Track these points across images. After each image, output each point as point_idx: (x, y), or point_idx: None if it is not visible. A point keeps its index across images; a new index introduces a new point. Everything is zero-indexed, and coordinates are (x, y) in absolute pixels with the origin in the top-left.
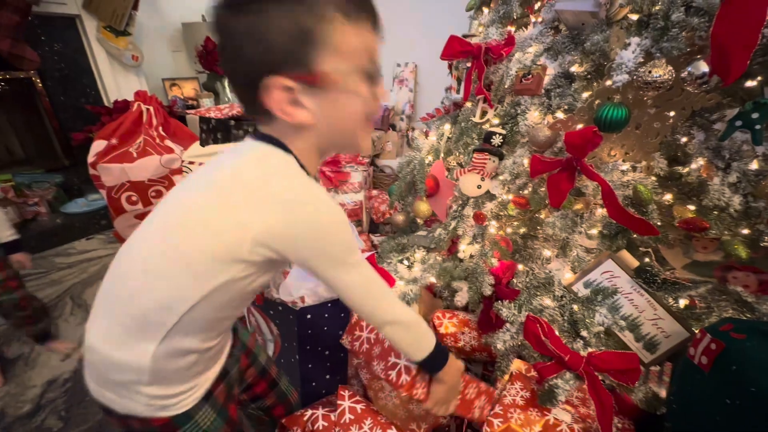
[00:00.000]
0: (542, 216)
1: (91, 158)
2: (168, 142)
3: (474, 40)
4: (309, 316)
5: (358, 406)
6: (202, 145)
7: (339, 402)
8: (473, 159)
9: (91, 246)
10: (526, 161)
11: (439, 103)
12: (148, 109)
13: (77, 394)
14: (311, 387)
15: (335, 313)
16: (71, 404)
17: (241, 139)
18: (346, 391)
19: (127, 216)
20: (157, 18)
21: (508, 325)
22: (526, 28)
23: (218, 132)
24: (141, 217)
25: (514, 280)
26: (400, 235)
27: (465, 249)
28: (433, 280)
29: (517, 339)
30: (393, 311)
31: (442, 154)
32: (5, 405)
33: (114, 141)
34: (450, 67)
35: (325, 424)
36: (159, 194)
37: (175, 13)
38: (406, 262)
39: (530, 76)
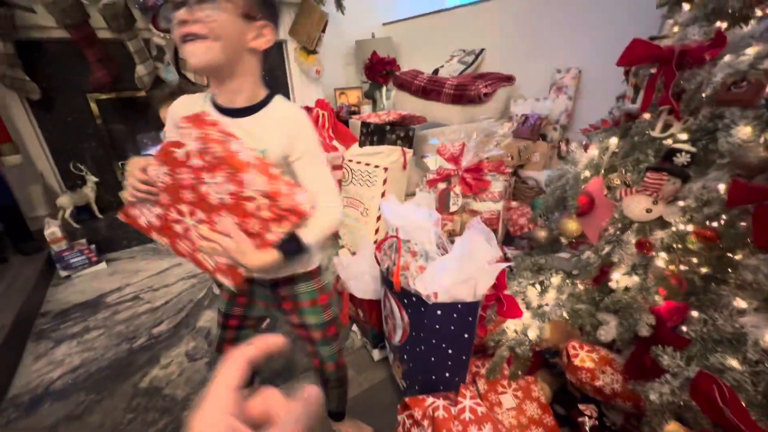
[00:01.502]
0: (738, 257)
1: None
2: (334, 142)
3: (664, 42)
4: (439, 312)
5: (479, 409)
6: (361, 145)
7: (460, 399)
8: (646, 178)
9: None
10: (722, 186)
11: (606, 114)
12: (323, 114)
13: None
14: (431, 379)
15: (464, 314)
16: None
17: (394, 143)
18: (468, 391)
19: None
20: (336, 38)
21: (668, 376)
22: (745, 24)
23: (375, 135)
24: None
25: (684, 327)
26: (539, 253)
27: (619, 279)
28: (566, 316)
29: (680, 396)
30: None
31: (603, 170)
32: None
33: None
34: (626, 73)
35: (445, 414)
36: None
37: (350, 32)
38: (539, 287)
39: (744, 83)
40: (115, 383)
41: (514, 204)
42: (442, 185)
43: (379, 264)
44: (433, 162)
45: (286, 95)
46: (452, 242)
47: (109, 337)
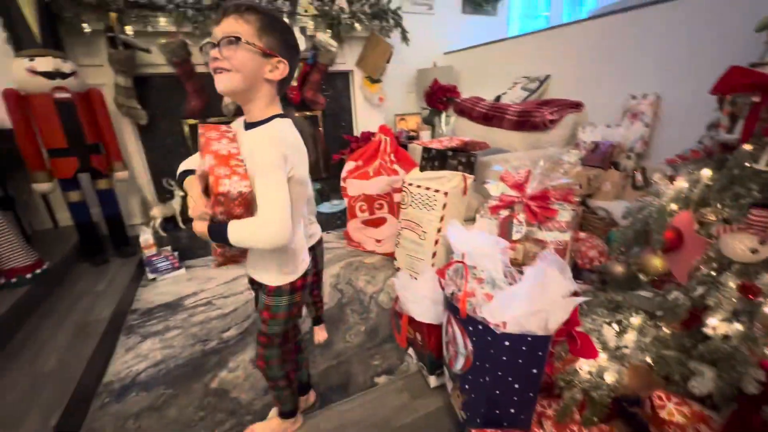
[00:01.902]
0: None
1: (343, 174)
2: (395, 166)
3: None
4: (507, 343)
5: None
6: (421, 170)
7: None
8: (751, 216)
9: (328, 238)
10: None
11: (694, 143)
12: (385, 140)
13: None
14: (495, 414)
15: (534, 348)
16: None
17: (455, 168)
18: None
19: (357, 220)
20: (399, 67)
21: None
22: None
23: (436, 160)
24: (367, 222)
25: None
26: (615, 289)
27: (717, 326)
28: (648, 360)
29: None
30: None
31: (693, 204)
32: None
33: (360, 162)
34: (720, 101)
35: None
36: (381, 207)
37: (413, 61)
38: (616, 327)
39: None
40: (190, 381)
41: (582, 235)
42: (504, 212)
43: (442, 289)
44: (495, 188)
45: (350, 120)
46: (520, 271)
47: (185, 337)
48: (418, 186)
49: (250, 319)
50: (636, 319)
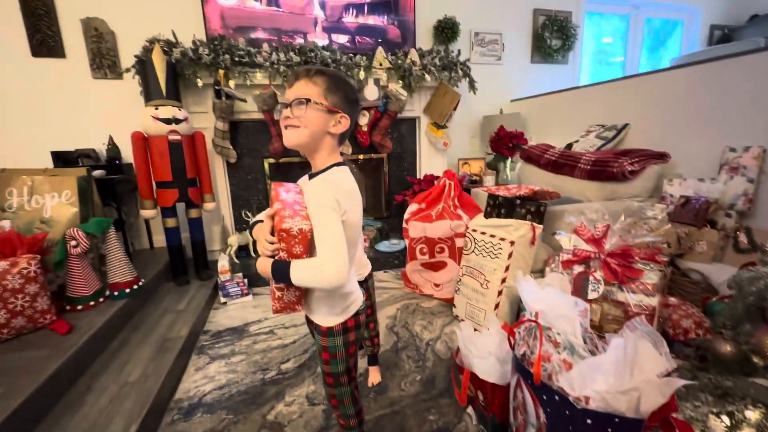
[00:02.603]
0: None
1: (406, 215)
2: (459, 211)
3: None
4: (589, 422)
5: None
6: (486, 216)
7: None
8: None
9: (384, 277)
10: None
11: None
12: (450, 184)
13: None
14: None
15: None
16: None
17: (523, 217)
18: None
19: (416, 263)
20: (465, 113)
21: None
22: None
23: (503, 208)
24: (426, 265)
25: None
26: (721, 371)
27: None
28: None
29: None
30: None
31: None
32: None
33: (423, 205)
34: None
35: None
36: (442, 250)
37: (479, 108)
38: (725, 419)
39: None
40: (249, 409)
41: (673, 300)
42: (578, 268)
43: (511, 347)
44: (567, 241)
45: (413, 163)
46: (600, 336)
47: (248, 364)
48: (483, 233)
49: (308, 354)
50: (753, 413)
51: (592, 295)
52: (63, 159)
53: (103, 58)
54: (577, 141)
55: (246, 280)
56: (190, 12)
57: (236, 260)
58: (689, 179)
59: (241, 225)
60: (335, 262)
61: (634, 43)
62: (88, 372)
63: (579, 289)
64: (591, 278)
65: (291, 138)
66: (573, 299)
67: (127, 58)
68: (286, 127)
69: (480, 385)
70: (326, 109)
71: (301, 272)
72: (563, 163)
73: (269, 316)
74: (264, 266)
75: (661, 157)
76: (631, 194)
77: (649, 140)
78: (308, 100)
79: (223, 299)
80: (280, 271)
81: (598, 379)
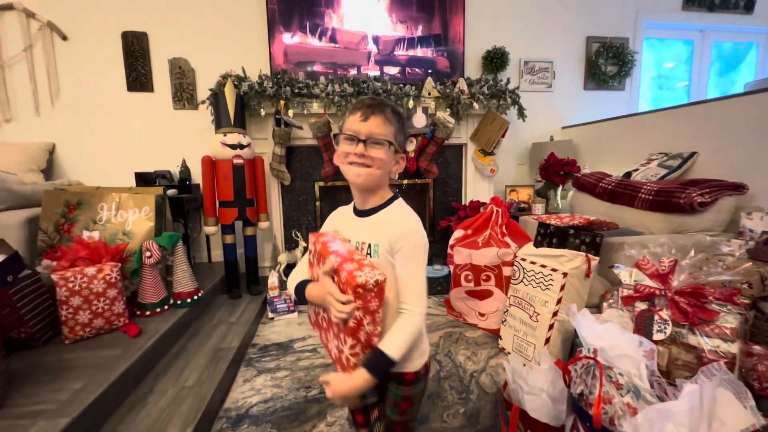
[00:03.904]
0: None
1: (452, 241)
2: (507, 239)
3: None
4: None
5: None
6: (536, 245)
7: None
8: None
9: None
10: None
11: None
12: (497, 211)
13: None
14: None
15: None
16: None
17: (577, 247)
18: None
19: (460, 290)
20: (514, 140)
21: None
22: None
23: (554, 237)
24: (470, 293)
25: None
26: None
27: None
28: None
29: None
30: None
31: None
32: None
33: (469, 231)
34: None
35: None
36: (488, 278)
37: (528, 135)
38: None
39: None
40: (292, 425)
41: (758, 349)
42: (641, 305)
43: (567, 385)
44: (627, 275)
45: (459, 190)
46: (671, 383)
47: (292, 380)
48: (533, 262)
49: None
50: None
51: (657, 336)
52: (144, 179)
53: (184, 91)
54: (636, 170)
55: (293, 297)
56: (258, 50)
57: (284, 278)
58: None
59: (291, 244)
60: (424, 307)
61: (700, 68)
62: (151, 374)
63: (642, 328)
64: (656, 317)
65: (364, 177)
66: (637, 338)
67: (202, 91)
68: (352, 163)
69: (530, 423)
70: (394, 150)
71: (402, 345)
72: (621, 192)
73: (313, 335)
74: (359, 379)
75: (737, 188)
76: (701, 228)
77: (721, 170)
78: (390, 143)
79: (270, 314)
80: (381, 368)
81: (668, 429)
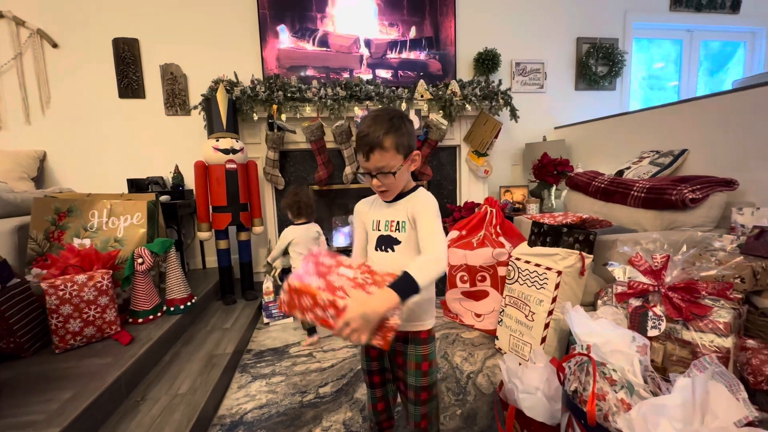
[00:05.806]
0: None
1: (446, 242)
2: (501, 239)
3: None
4: None
5: None
6: (530, 245)
7: None
8: None
9: None
10: None
11: None
12: (492, 211)
13: None
14: None
15: None
16: None
17: (571, 246)
18: None
19: (456, 291)
20: (507, 141)
21: None
22: None
23: (548, 236)
24: (467, 294)
25: None
26: None
27: None
28: None
29: None
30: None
31: None
32: None
33: (463, 232)
34: None
35: None
36: (484, 279)
37: (521, 136)
38: None
39: None
40: (287, 431)
41: (752, 343)
42: (635, 302)
43: (561, 383)
44: (621, 272)
45: (453, 191)
46: (664, 378)
47: (287, 385)
48: (527, 261)
49: (345, 379)
50: None
51: (652, 332)
52: (136, 185)
53: (176, 97)
54: (628, 168)
55: None
56: (250, 55)
57: (279, 282)
58: (763, 208)
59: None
60: (445, 249)
61: (690, 67)
62: (143, 382)
63: (637, 324)
64: (650, 313)
65: (385, 195)
66: (630, 333)
67: (194, 96)
68: (377, 187)
69: (526, 423)
70: (405, 158)
71: (426, 276)
72: (614, 190)
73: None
74: (387, 297)
75: (727, 184)
76: (693, 224)
77: (711, 167)
78: (393, 174)
79: (266, 319)
80: (406, 290)
81: (662, 424)
